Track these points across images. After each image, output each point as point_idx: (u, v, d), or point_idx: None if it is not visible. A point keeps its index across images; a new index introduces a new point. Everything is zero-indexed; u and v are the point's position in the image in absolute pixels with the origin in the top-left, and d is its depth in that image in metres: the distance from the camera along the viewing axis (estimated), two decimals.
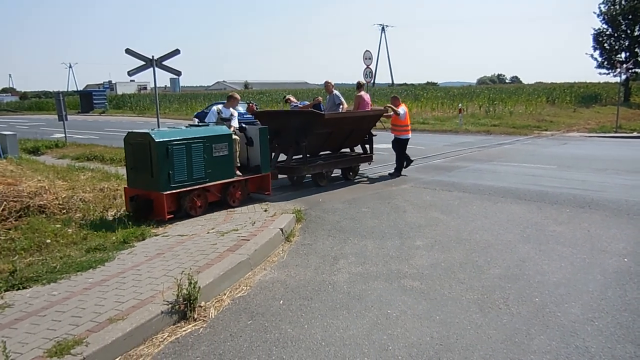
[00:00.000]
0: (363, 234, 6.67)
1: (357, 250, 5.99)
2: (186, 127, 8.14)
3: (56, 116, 18.62)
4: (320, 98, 10.76)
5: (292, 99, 11.46)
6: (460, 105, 26.68)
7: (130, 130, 7.64)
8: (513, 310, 4.24)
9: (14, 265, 5.11)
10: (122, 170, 11.58)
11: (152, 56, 13.15)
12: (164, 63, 13.33)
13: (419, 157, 13.61)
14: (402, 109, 11.03)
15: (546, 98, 33.56)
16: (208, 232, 6.48)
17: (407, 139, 11.08)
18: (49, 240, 5.88)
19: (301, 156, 9.61)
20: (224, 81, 74.43)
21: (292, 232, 6.69)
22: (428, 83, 76.91)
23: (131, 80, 72.43)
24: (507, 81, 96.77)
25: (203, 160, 7.51)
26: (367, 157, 10.99)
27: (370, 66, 23.51)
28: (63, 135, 18.26)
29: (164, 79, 73.14)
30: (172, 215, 7.18)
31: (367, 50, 23.25)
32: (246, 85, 69.66)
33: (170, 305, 4.13)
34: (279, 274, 5.29)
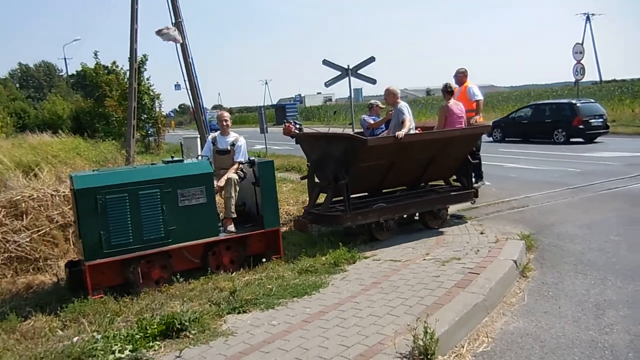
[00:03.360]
0: (626, 273, 5.12)
1: (627, 298, 4.54)
2: (164, 162, 6.03)
3: (255, 129, 20.13)
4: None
5: (377, 107, 8.24)
6: None
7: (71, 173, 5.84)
8: None
9: (234, 284, 5.01)
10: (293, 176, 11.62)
11: (348, 65, 13.07)
12: (359, 72, 13.16)
13: None
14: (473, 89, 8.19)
15: None
16: (424, 259, 5.68)
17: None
18: (264, 260, 5.74)
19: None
20: (405, 89, 73.91)
21: (526, 264, 5.49)
22: None
23: (318, 93, 77.02)
24: None
25: (161, 212, 5.29)
26: (463, 195, 7.42)
27: (581, 61, 20.39)
28: (264, 146, 19.57)
29: (346, 90, 75.99)
30: (100, 295, 5.01)
31: (577, 43, 20.31)
32: (428, 91, 67.99)
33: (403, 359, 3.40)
34: (525, 323, 4.20)
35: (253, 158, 6.41)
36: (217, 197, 6.06)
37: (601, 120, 17.35)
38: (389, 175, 6.86)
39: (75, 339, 4.00)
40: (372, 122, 8.01)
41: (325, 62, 12.85)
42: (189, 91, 15.79)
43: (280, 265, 5.82)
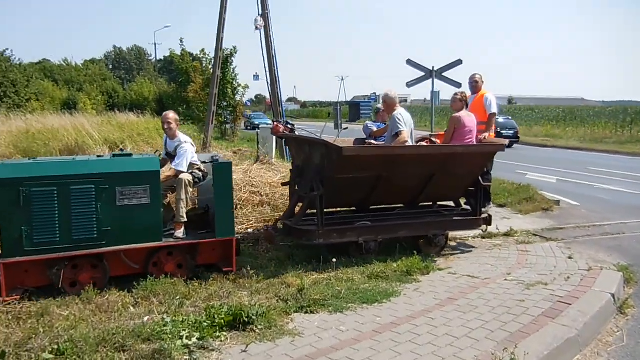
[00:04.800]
0: None
1: None
2: (113, 155, 5.40)
3: (328, 124, 20.02)
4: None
5: (383, 112, 6.98)
6: None
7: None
8: None
9: (302, 281, 4.87)
10: None
11: (432, 67, 12.61)
12: (443, 74, 12.67)
13: None
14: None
15: None
16: (505, 279, 5.25)
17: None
18: (334, 260, 5.55)
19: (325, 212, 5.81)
20: None
21: (625, 300, 4.91)
22: None
23: None
24: None
25: (95, 211, 4.75)
26: (469, 222, 6.52)
27: None
28: None
29: (423, 92, 74.66)
30: (16, 296, 4.50)
31: None
32: (510, 100, 64.95)
33: None
34: None
35: (217, 157, 5.62)
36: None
37: (512, 132, 22.90)
38: (376, 190, 5.99)
39: (145, 319, 4.03)
40: (375, 129, 7.03)
41: (410, 62, 12.49)
42: (269, 82, 15.99)
43: (349, 267, 5.62)
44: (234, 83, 21.85)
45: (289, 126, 6.32)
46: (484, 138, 6.79)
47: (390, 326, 4.07)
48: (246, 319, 3.99)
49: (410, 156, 5.92)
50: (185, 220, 5.35)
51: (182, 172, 5.43)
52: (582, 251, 6.46)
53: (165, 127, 5.68)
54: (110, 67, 64.98)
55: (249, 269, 5.11)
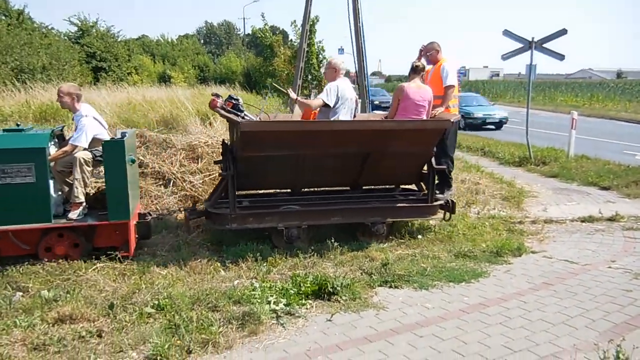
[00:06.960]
0: None
1: None
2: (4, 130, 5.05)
3: None
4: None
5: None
6: None
7: None
8: None
9: (386, 256, 4.82)
10: (483, 162, 10.82)
11: (532, 38, 11.72)
12: (544, 45, 11.72)
13: None
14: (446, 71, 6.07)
15: None
16: (609, 267, 4.85)
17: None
18: (420, 237, 5.44)
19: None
20: (589, 69, 65.27)
21: None
22: None
23: (484, 67, 72.29)
24: None
25: None
26: (419, 209, 5.65)
27: None
28: None
29: (517, 65, 70.13)
30: None
31: None
32: (619, 74, 59.02)
33: None
34: None
35: (126, 134, 5.03)
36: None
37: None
38: (302, 171, 5.37)
39: (235, 282, 4.21)
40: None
41: (506, 33, 11.68)
42: (355, 56, 15.77)
43: (434, 244, 5.48)
44: (319, 55, 21.79)
45: (232, 101, 5.41)
46: (436, 114, 5.92)
47: (479, 307, 3.92)
48: (331, 289, 4.04)
49: (327, 132, 5.13)
50: (81, 200, 4.93)
51: (79, 146, 4.95)
52: None
53: (58, 100, 5.15)
54: (202, 42, 67.63)
55: (332, 240, 5.14)
